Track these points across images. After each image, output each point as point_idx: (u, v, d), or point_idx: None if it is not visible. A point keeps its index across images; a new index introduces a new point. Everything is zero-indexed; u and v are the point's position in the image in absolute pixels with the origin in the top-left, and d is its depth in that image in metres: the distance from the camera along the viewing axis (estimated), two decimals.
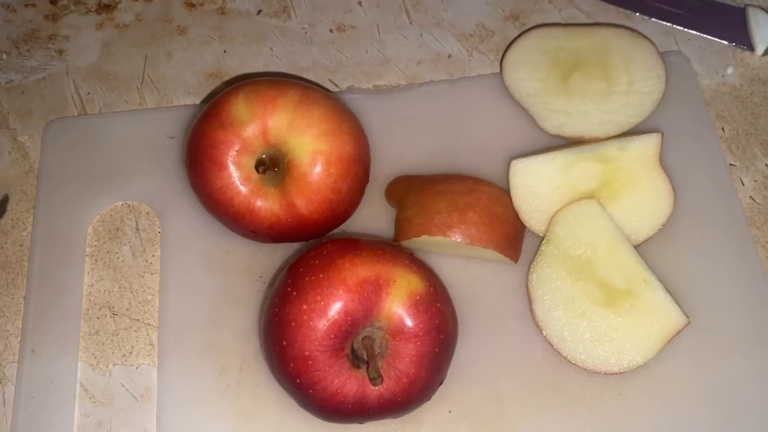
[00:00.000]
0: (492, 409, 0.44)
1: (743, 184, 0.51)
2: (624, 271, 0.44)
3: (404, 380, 0.38)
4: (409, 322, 0.38)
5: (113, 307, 0.48)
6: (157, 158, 0.52)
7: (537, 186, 0.46)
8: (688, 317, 0.44)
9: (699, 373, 0.44)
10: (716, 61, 0.55)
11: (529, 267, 0.46)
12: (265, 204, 0.43)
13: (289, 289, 0.39)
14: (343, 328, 0.38)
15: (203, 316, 0.46)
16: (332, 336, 0.37)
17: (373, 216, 0.49)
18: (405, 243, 0.46)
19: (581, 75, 0.50)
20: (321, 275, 0.38)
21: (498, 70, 0.54)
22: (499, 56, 0.55)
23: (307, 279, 0.38)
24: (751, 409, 0.43)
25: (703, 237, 0.48)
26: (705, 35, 0.56)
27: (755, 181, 0.51)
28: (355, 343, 0.39)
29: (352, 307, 0.37)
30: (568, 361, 0.44)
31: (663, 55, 0.51)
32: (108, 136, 0.52)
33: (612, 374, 0.43)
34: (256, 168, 0.42)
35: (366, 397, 0.38)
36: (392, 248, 0.41)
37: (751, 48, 0.55)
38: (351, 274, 0.38)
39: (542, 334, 0.45)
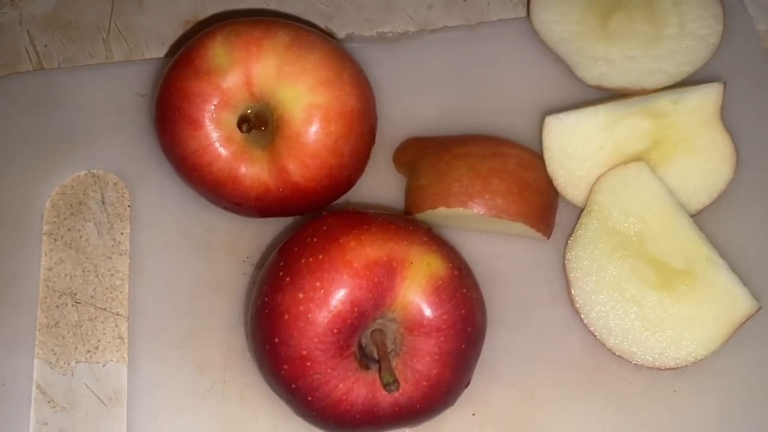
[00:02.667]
0: (523, 411, 0.39)
1: None
2: (681, 248, 0.39)
3: (424, 383, 0.33)
4: (429, 313, 0.33)
5: (75, 294, 0.43)
6: (126, 120, 0.46)
7: (576, 147, 0.41)
8: (758, 302, 0.38)
9: (767, 367, 0.39)
10: None
11: (566, 243, 0.41)
12: (251, 170, 0.37)
13: (281, 274, 0.33)
14: (349, 322, 0.32)
15: (181, 304, 0.42)
16: (335, 331, 0.32)
17: (379, 185, 0.44)
18: (418, 216, 0.41)
19: (624, 16, 0.45)
20: (320, 256, 0.32)
21: (522, 15, 0.49)
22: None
23: (303, 261, 0.33)
24: None
25: (767, 205, 0.42)
26: None
27: None
28: (363, 339, 0.33)
29: (359, 296, 0.32)
30: (613, 353, 0.39)
31: None
32: (69, 95, 0.47)
33: (666, 369, 0.39)
34: (239, 126, 0.36)
35: (377, 405, 0.33)
36: (406, 222, 0.35)
37: None
38: (358, 255, 0.32)
39: (582, 321, 0.40)
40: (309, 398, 0.32)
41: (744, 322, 0.38)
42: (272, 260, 0.35)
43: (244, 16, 0.48)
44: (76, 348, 0.41)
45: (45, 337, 0.42)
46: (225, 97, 0.36)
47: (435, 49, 0.47)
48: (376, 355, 0.33)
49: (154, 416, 0.39)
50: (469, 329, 0.33)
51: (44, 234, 0.44)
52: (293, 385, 0.32)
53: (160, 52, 0.49)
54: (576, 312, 0.40)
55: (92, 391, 0.41)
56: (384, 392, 0.32)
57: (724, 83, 0.41)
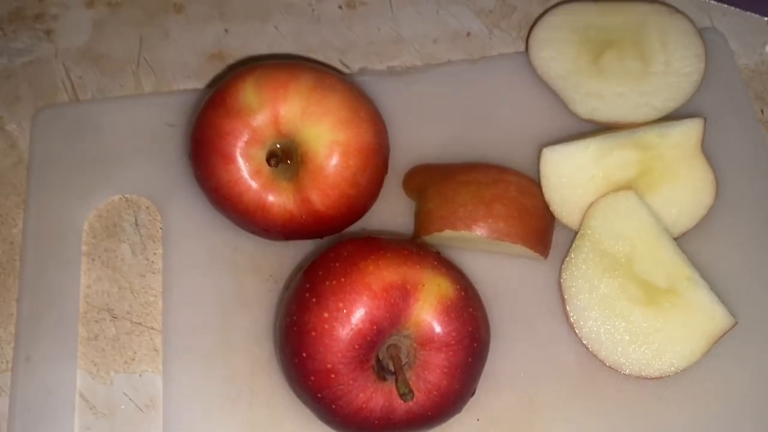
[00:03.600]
0: (523, 416, 0.41)
1: None
2: (665, 268, 0.42)
3: (435, 393, 0.36)
4: (439, 330, 0.36)
5: (113, 310, 0.45)
6: (156, 148, 0.48)
7: (570, 176, 0.43)
8: (734, 317, 0.41)
9: (744, 377, 0.42)
10: (753, 38, 0.52)
11: (562, 263, 0.43)
12: (278, 199, 0.40)
13: (307, 295, 0.36)
14: (368, 338, 0.35)
15: (210, 318, 0.44)
16: (356, 347, 0.35)
17: (390, 209, 0.46)
18: (426, 238, 0.43)
19: (614, 54, 0.47)
20: (343, 279, 0.35)
21: (521, 49, 0.51)
22: (522, 34, 0.52)
23: (327, 284, 0.35)
24: None
25: (745, 229, 0.45)
26: (741, 10, 0.52)
27: None
28: (380, 353, 0.36)
29: (377, 315, 0.35)
30: (605, 364, 0.41)
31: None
32: (103, 124, 0.49)
33: (651, 378, 0.41)
34: (268, 161, 0.39)
35: (393, 412, 0.36)
36: (418, 247, 0.38)
37: None
38: (375, 278, 0.35)
39: (576, 335, 0.42)
40: (333, 406, 0.35)
41: (721, 336, 0.41)
42: (298, 282, 0.37)
43: (267, 57, 0.51)
44: (114, 359, 0.44)
45: (86, 349, 0.44)
46: (254, 134, 0.39)
47: (440, 82, 0.49)
48: (392, 368, 0.35)
49: (187, 421, 0.41)
50: (475, 344, 0.36)
51: (83, 254, 0.46)
52: (319, 395, 0.35)
53: (187, 84, 0.51)
54: (570, 326, 0.42)
55: (130, 399, 0.43)
56: (399, 401, 0.34)
57: (705, 119, 0.43)
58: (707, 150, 0.45)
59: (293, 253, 0.45)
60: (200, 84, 0.51)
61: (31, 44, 0.53)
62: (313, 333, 0.35)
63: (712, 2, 0.53)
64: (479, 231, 0.42)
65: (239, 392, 0.42)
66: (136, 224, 0.47)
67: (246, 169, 0.39)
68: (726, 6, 0.53)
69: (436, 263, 0.37)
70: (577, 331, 0.42)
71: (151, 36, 0.53)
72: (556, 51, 0.48)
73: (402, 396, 0.34)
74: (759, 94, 0.50)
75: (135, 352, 0.44)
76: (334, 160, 0.39)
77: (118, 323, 0.45)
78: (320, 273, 0.36)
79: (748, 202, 0.46)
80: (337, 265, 0.36)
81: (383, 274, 0.35)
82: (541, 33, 0.48)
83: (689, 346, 0.40)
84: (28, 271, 0.45)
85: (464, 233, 0.42)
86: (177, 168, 0.48)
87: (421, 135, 0.48)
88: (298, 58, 0.51)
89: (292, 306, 0.36)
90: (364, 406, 0.35)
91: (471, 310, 0.36)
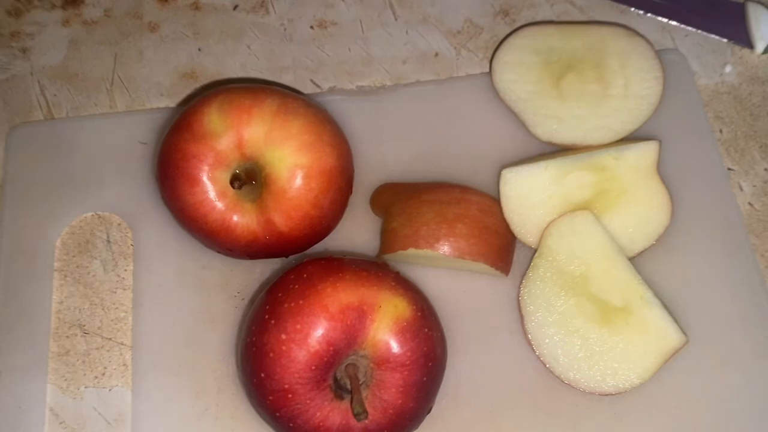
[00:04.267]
0: (481, 431, 0.42)
1: (742, 190, 0.49)
2: (620, 287, 0.43)
3: (390, 411, 0.37)
4: (395, 350, 0.36)
5: (84, 326, 0.46)
6: (128, 166, 0.49)
7: (528, 196, 0.44)
8: (686, 336, 0.42)
9: (696, 391, 0.43)
10: (714, 59, 0.53)
11: (521, 281, 0.44)
12: (242, 220, 0.41)
13: (266, 317, 0.37)
14: (325, 359, 0.36)
15: (179, 334, 0.45)
16: (313, 367, 0.36)
17: (357, 226, 0.47)
18: (391, 256, 0.44)
19: (575, 76, 0.48)
20: (301, 302, 0.36)
21: (487, 69, 0.52)
22: (489, 54, 0.53)
23: (285, 306, 0.36)
24: (749, 427, 0.42)
25: (700, 247, 0.46)
26: (703, 32, 0.54)
27: (754, 186, 0.49)
28: (338, 373, 0.37)
29: (334, 336, 0.36)
30: (561, 380, 0.42)
31: (660, 54, 0.49)
32: (76, 142, 0.50)
33: (607, 395, 0.42)
34: (232, 183, 0.40)
35: (350, 430, 0.37)
36: (377, 268, 0.39)
37: (750, 45, 0.53)
38: (333, 301, 0.36)
39: (534, 352, 0.43)
40: (291, 425, 0.36)
41: (673, 354, 0.41)
42: (259, 303, 0.38)
43: (237, 80, 0.52)
44: (84, 374, 0.44)
45: (57, 364, 0.45)
46: (219, 157, 0.40)
47: (408, 102, 0.50)
48: (349, 387, 0.36)
49: None
50: (431, 364, 0.37)
51: (55, 270, 0.47)
52: (277, 414, 0.36)
53: (160, 102, 0.52)
54: (528, 343, 0.43)
55: (99, 413, 0.43)
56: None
57: (659, 141, 0.44)
58: (665, 170, 0.46)
59: (261, 270, 0.46)
60: (173, 102, 0.52)
61: (6, 62, 0.54)
62: (272, 354, 0.35)
63: (674, 24, 0.54)
64: (442, 249, 0.42)
65: (206, 408, 0.43)
66: (108, 241, 0.48)
67: (211, 191, 0.40)
68: (688, 28, 0.54)
69: (394, 284, 0.38)
70: (534, 348, 0.43)
71: (126, 54, 0.54)
72: (518, 74, 0.48)
73: (356, 415, 0.34)
74: (718, 114, 0.51)
75: (105, 367, 0.45)
76: (296, 183, 0.40)
77: (88, 339, 0.46)
78: (280, 295, 0.37)
79: (704, 222, 0.46)
80: (297, 287, 0.37)
81: (341, 296, 0.36)
82: (504, 56, 0.49)
83: (642, 364, 0.41)
84: (1, 288, 0.46)
85: (427, 251, 0.43)
86: (148, 186, 0.48)
87: (388, 153, 0.49)
88: (267, 81, 0.52)
89: (252, 327, 0.37)
90: (320, 424, 0.36)
91: (427, 330, 0.37)
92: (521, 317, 0.43)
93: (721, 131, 0.51)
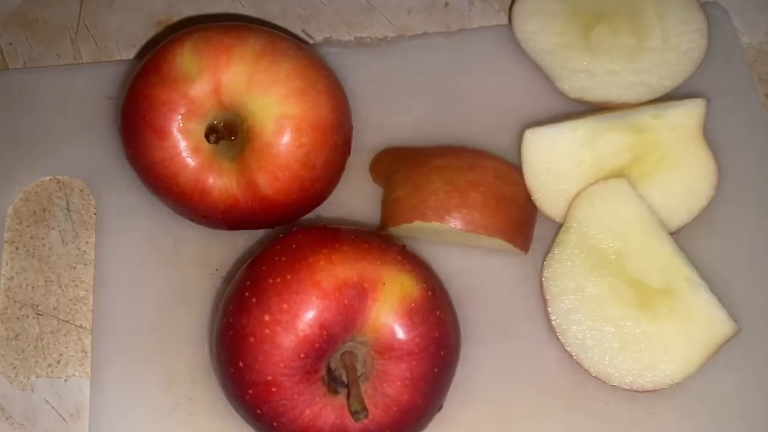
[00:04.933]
0: (497, 431, 0.38)
1: None
2: (661, 267, 0.38)
3: (394, 409, 0.32)
4: (401, 336, 0.32)
5: (37, 306, 0.42)
6: (93, 123, 0.45)
7: (555, 161, 0.40)
8: (737, 324, 0.38)
9: (745, 389, 0.39)
10: (759, 16, 0.48)
11: (544, 260, 0.40)
12: (219, 182, 0.36)
13: (247, 294, 0.32)
14: (317, 346, 0.31)
15: (147, 317, 0.41)
16: (302, 355, 0.31)
17: (354, 196, 0.43)
18: (394, 230, 0.40)
19: (606, 28, 0.44)
20: (288, 277, 0.31)
21: (503, 22, 0.48)
22: (504, 5, 0.49)
23: (270, 281, 0.31)
24: None
25: (748, 224, 0.42)
26: None
27: None
28: (332, 362, 0.32)
29: (328, 318, 0.31)
30: (590, 374, 0.38)
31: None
32: (35, 96, 0.46)
33: (643, 391, 0.38)
34: (207, 137, 0.35)
35: (346, 430, 0.32)
36: (380, 240, 0.34)
37: None
38: (327, 275, 0.31)
39: (559, 340, 0.39)
40: (274, 424, 0.31)
41: (722, 345, 0.37)
42: (238, 279, 0.33)
43: (218, 20, 0.47)
44: (36, 362, 0.40)
45: (4, 350, 0.40)
46: (192, 106, 0.35)
47: (414, 56, 0.46)
48: (345, 380, 0.32)
49: None
50: (443, 352, 0.32)
51: (5, 242, 0.43)
52: (258, 411, 0.31)
53: (131, 54, 0.47)
54: (553, 331, 0.39)
55: (53, 408, 0.39)
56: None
57: (708, 99, 0.40)
58: (708, 135, 0.41)
59: (243, 244, 0.42)
60: (139, 51, 0.47)
61: None
62: (252, 339, 0.31)
63: None
64: (452, 222, 0.38)
65: (177, 402, 0.39)
66: (68, 209, 0.44)
67: (182, 146, 0.36)
68: None
69: (400, 258, 0.33)
70: (559, 336, 0.39)
71: (94, 0, 0.49)
72: (543, 23, 0.44)
73: (354, 414, 0.30)
74: (763, 76, 0.47)
75: (61, 354, 0.41)
76: (284, 138, 0.35)
77: (42, 320, 0.41)
78: (263, 269, 0.32)
79: (752, 194, 0.42)
80: (284, 259, 0.32)
81: (336, 271, 0.31)
82: (525, 3, 0.45)
83: (686, 356, 0.37)
84: None
85: (436, 225, 0.38)
86: (116, 147, 0.44)
87: (391, 114, 0.45)
88: (252, 22, 0.47)
89: (229, 306, 0.33)
90: (310, 424, 0.31)
91: (438, 312, 0.33)
92: (544, 301, 0.39)
93: (766, 95, 0.46)
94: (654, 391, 0.37)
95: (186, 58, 0.35)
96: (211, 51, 0.35)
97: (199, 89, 0.35)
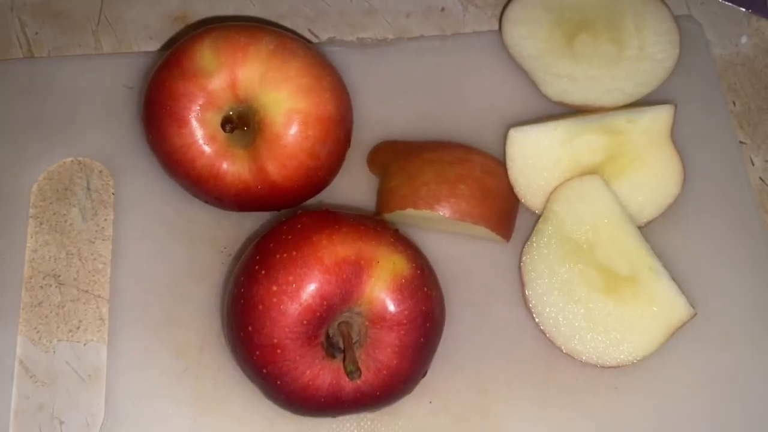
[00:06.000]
0: (476, 401, 0.41)
1: (753, 164, 0.47)
2: (628, 256, 0.41)
3: (384, 372, 0.35)
4: (392, 308, 0.35)
5: (59, 276, 0.44)
6: (113, 110, 0.47)
7: (536, 158, 0.42)
8: (694, 309, 0.41)
9: (701, 367, 0.41)
10: (730, 28, 0.51)
11: (523, 247, 0.42)
12: (232, 167, 0.39)
13: (257, 267, 0.34)
14: (318, 314, 0.34)
15: (160, 289, 0.43)
16: (305, 322, 0.33)
17: (353, 185, 0.45)
18: (388, 216, 0.42)
19: (588, 36, 0.46)
20: (294, 253, 0.34)
21: (495, 28, 0.50)
22: (497, 12, 0.51)
23: (278, 256, 0.34)
24: (755, 406, 0.41)
25: (710, 220, 0.45)
26: (719, 0, 0.52)
27: (766, 161, 0.48)
28: (330, 330, 0.35)
29: (328, 290, 0.34)
30: (562, 351, 0.41)
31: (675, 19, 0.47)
32: (58, 83, 0.48)
33: (608, 367, 0.40)
34: (223, 126, 0.37)
35: (341, 390, 0.35)
36: (376, 224, 0.37)
37: (767, 16, 0.51)
38: (328, 253, 0.34)
39: (534, 320, 0.41)
40: (278, 382, 0.34)
41: (680, 327, 0.40)
42: (249, 254, 0.36)
43: (231, 19, 0.49)
44: (58, 327, 0.42)
45: (29, 315, 0.42)
46: (210, 98, 0.37)
47: (411, 57, 0.48)
48: (341, 345, 0.34)
49: (131, 394, 0.40)
50: (428, 324, 0.35)
51: (30, 217, 0.44)
52: (264, 370, 0.34)
53: (149, 46, 0.49)
54: (529, 311, 0.41)
55: (73, 369, 0.41)
56: (347, 379, 0.33)
57: (675, 105, 0.43)
58: (676, 139, 0.44)
59: (250, 225, 0.44)
60: (162, 46, 0.49)
61: None
62: (261, 306, 0.33)
63: None
64: (442, 211, 0.41)
65: (186, 366, 0.41)
66: (88, 188, 0.46)
67: (200, 134, 0.38)
68: None
69: (393, 240, 0.36)
70: (535, 317, 0.41)
71: None
72: (529, 30, 0.46)
73: (349, 374, 0.33)
74: (732, 85, 0.50)
75: (80, 321, 0.43)
76: (292, 129, 0.38)
77: (63, 290, 0.43)
78: (272, 245, 0.35)
79: (715, 194, 0.45)
80: (290, 237, 0.35)
81: (337, 249, 0.34)
82: (515, 11, 0.47)
83: (647, 336, 0.40)
84: None
85: (426, 212, 0.41)
86: (133, 132, 0.46)
87: (388, 110, 0.47)
88: (263, 23, 0.49)
89: (240, 278, 0.35)
90: (310, 383, 0.34)
91: (426, 289, 0.35)
92: (522, 284, 0.42)
93: (734, 103, 0.49)
94: (618, 367, 0.40)
95: (205, 54, 0.37)
96: (229, 49, 0.37)
97: (217, 83, 0.37)
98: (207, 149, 0.38)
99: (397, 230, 0.38)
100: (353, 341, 0.35)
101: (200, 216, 0.44)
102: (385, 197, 0.42)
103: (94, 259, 0.44)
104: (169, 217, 0.44)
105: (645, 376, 0.41)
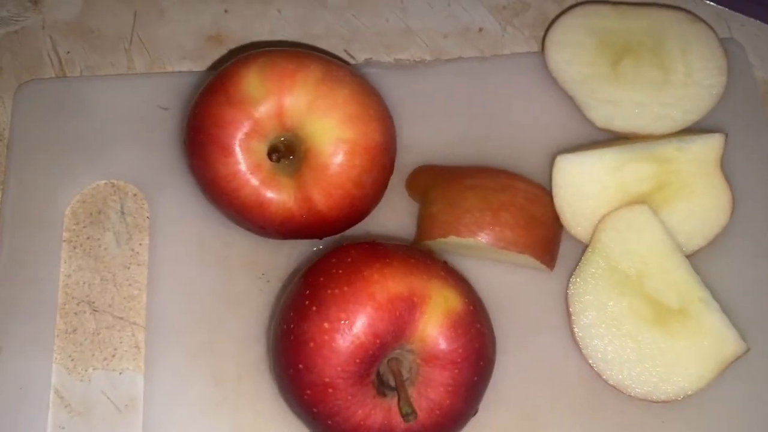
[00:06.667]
0: None
1: None
2: (677, 288, 0.40)
3: (437, 412, 0.34)
4: (444, 346, 0.34)
5: (93, 303, 0.43)
6: (147, 132, 0.46)
7: (583, 186, 0.42)
8: (746, 343, 0.40)
9: (753, 405, 0.40)
10: None
11: (569, 276, 0.42)
12: (277, 197, 0.38)
13: (307, 303, 0.34)
14: (371, 352, 0.33)
15: (197, 316, 0.42)
16: (357, 361, 0.33)
17: (392, 210, 0.44)
18: (428, 243, 0.41)
19: (632, 60, 0.45)
20: (346, 288, 0.33)
21: (533, 49, 0.49)
22: (534, 33, 0.50)
23: (329, 292, 0.33)
24: None
25: (759, 250, 0.44)
26: (761, 22, 0.51)
27: None
28: (381, 367, 0.34)
29: (381, 328, 0.33)
30: (608, 384, 0.40)
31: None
32: (91, 103, 0.47)
33: (657, 402, 0.40)
34: (269, 155, 0.37)
35: (392, 430, 0.34)
36: (425, 256, 0.36)
37: None
38: (381, 288, 0.33)
39: (580, 352, 0.41)
40: (329, 422, 0.33)
41: (732, 362, 0.39)
42: (297, 287, 0.35)
43: (269, 43, 0.48)
44: (93, 355, 0.41)
45: (63, 343, 0.42)
46: (256, 126, 0.37)
47: (449, 79, 0.47)
48: (392, 383, 0.33)
49: (169, 424, 0.39)
50: (481, 362, 0.34)
51: (64, 241, 0.44)
52: (315, 409, 0.33)
53: (182, 66, 0.48)
54: (575, 343, 0.40)
55: (108, 398, 0.41)
56: (399, 419, 0.32)
57: (726, 134, 0.42)
58: (725, 166, 0.43)
59: (288, 251, 0.43)
60: (196, 66, 0.49)
61: (17, 13, 0.50)
62: (312, 344, 0.33)
63: (731, 12, 0.51)
64: (485, 239, 0.40)
65: (225, 396, 0.40)
66: (122, 212, 0.45)
67: (245, 163, 0.37)
68: (744, 17, 0.51)
69: (443, 274, 0.35)
70: (582, 349, 0.40)
71: (146, 13, 0.50)
72: (573, 54, 0.46)
73: (405, 417, 0.32)
74: None
75: (116, 349, 0.42)
76: (339, 158, 0.37)
77: (98, 317, 0.43)
78: (321, 279, 0.34)
79: (764, 223, 0.44)
80: (340, 272, 0.34)
81: (389, 285, 0.33)
82: (557, 35, 0.46)
83: (698, 371, 0.39)
84: (4, 257, 0.43)
85: (470, 240, 0.40)
86: (168, 154, 0.45)
87: (427, 133, 0.46)
88: (302, 46, 0.48)
89: (289, 313, 0.34)
90: (362, 423, 0.33)
91: (478, 325, 0.35)
92: (568, 314, 0.41)
93: None
94: (667, 402, 0.39)
95: (252, 81, 0.36)
96: (276, 76, 0.36)
97: (263, 111, 0.36)
98: (252, 179, 0.37)
99: (445, 262, 0.37)
100: (404, 379, 0.34)
101: (238, 241, 0.43)
102: (426, 224, 0.42)
103: (129, 285, 0.43)
104: (205, 241, 0.43)
105: (693, 411, 0.40)
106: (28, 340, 0.41)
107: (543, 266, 0.41)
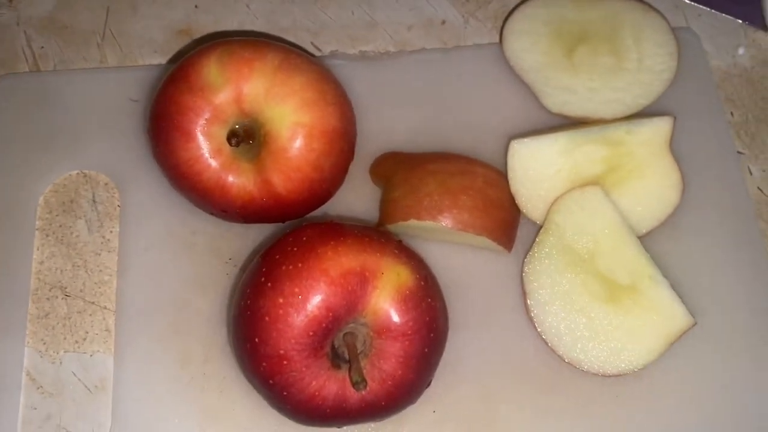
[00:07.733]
0: (480, 410, 0.41)
1: (751, 174, 0.48)
2: (628, 266, 0.42)
3: (389, 382, 0.35)
4: (396, 319, 0.35)
5: (65, 288, 0.44)
6: (118, 123, 0.47)
7: (537, 169, 0.43)
8: (694, 318, 0.41)
9: (702, 376, 0.42)
10: (727, 40, 0.52)
11: (525, 257, 0.43)
12: (238, 180, 0.39)
13: (263, 279, 0.35)
14: (324, 325, 0.34)
15: (165, 300, 0.43)
16: (311, 333, 0.34)
17: (356, 196, 0.45)
18: (391, 227, 0.43)
19: (587, 49, 0.47)
20: (300, 265, 0.34)
21: (495, 40, 0.51)
22: (497, 24, 0.51)
23: (283, 268, 0.35)
24: (755, 414, 0.41)
25: (709, 229, 0.45)
26: (716, 12, 0.52)
27: (763, 170, 0.48)
28: (335, 341, 0.36)
29: (334, 302, 0.34)
30: (563, 360, 0.41)
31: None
32: (64, 97, 0.48)
33: (610, 376, 0.41)
34: (229, 140, 0.38)
35: (346, 401, 0.35)
36: (379, 235, 0.37)
37: (764, 28, 0.52)
38: (334, 264, 0.34)
39: (536, 330, 0.42)
40: (284, 393, 0.34)
41: (680, 336, 0.40)
42: (255, 266, 0.36)
43: (235, 34, 0.50)
44: (64, 338, 0.42)
45: (35, 327, 0.43)
46: (216, 112, 0.38)
47: (413, 70, 0.48)
48: (347, 356, 0.35)
49: (138, 404, 0.40)
50: (432, 335, 0.36)
51: (37, 229, 0.45)
52: (270, 381, 0.34)
53: (153, 59, 0.50)
54: (531, 321, 0.41)
55: (79, 380, 0.42)
56: (353, 390, 0.34)
57: (674, 117, 0.43)
58: (676, 149, 0.45)
59: (254, 236, 0.44)
60: (167, 60, 0.50)
61: None
62: (267, 318, 0.34)
63: (688, 2, 0.53)
64: (444, 221, 0.41)
65: (192, 377, 0.41)
66: (94, 201, 0.46)
67: (206, 148, 0.38)
68: (701, 7, 0.53)
69: (396, 251, 0.36)
70: (537, 326, 0.42)
71: (119, 8, 0.52)
72: (529, 43, 0.47)
73: (355, 385, 0.33)
74: (730, 96, 0.50)
75: (86, 332, 0.43)
76: (297, 143, 0.38)
77: (70, 301, 0.44)
78: (277, 257, 0.35)
79: (714, 204, 0.45)
80: (295, 249, 0.35)
81: (342, 261, 0.34)
82: (515, 24, 0.48)
83: (648, 345, 0.40)
84: None
85: (429, 223, 0.41)
86: (138, 145, 0.46)
87: (390, 122, 0.47)
88: (268, 37, 0.50)
89: (246, 290, 0.36)
90: (316, 393, 0.34)
91: (429, 300, 0.36)
92: (524, 294, 0.42)
93: (732, 114, 0.50)
94: (619, 376, 0.40)
95: (212, 70, 0.38)
96: (234, 64, 0.37)
97: (223, 97, 0.38)
98: (213, 162, 0.39)
99: (400, 241, 0.38)
100: (358, 352, 0.35)
101: (205, 228, 0.44)
102: (388, 208, 0.43)
103: (100, 270, 0.44)
104: (174, 228, 0.44)
105: (646, 384, 0.41)
106: (1, 325, 0.42)
107: (501, 248, 0.42)
